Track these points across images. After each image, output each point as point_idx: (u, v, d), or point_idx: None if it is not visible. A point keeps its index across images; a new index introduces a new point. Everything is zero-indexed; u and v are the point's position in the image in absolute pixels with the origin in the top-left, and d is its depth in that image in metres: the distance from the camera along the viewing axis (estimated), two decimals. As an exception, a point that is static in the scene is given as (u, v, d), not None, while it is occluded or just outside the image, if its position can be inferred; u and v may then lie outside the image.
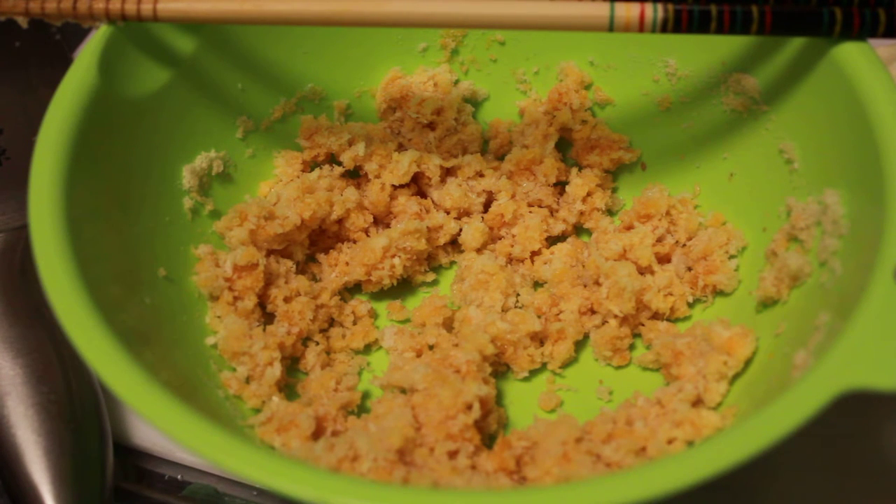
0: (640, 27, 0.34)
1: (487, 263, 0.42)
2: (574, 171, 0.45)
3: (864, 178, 0.33)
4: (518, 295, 0.43)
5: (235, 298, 0.39)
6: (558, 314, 0.42)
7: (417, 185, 0.46)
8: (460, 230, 0.45)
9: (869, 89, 0.33)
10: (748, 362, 0.36)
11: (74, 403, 0.39)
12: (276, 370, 0.38)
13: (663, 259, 0.43)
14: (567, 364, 0.41)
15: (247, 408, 0.37)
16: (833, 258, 0.34)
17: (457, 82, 0.47)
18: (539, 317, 0.41)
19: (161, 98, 0.39)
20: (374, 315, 0.44)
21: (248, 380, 0.38)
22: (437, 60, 0.47)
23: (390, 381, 0.37)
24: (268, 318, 0.41)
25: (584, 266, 0.42)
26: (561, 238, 0.45)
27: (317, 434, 0.36)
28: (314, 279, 0.44)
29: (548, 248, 0.44)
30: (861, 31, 0.35)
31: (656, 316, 0.41)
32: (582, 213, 0.45)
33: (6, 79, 0.50)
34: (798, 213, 0.37)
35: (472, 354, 0.37)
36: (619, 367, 0.41)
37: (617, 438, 0.35)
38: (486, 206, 0.45)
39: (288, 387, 0.40)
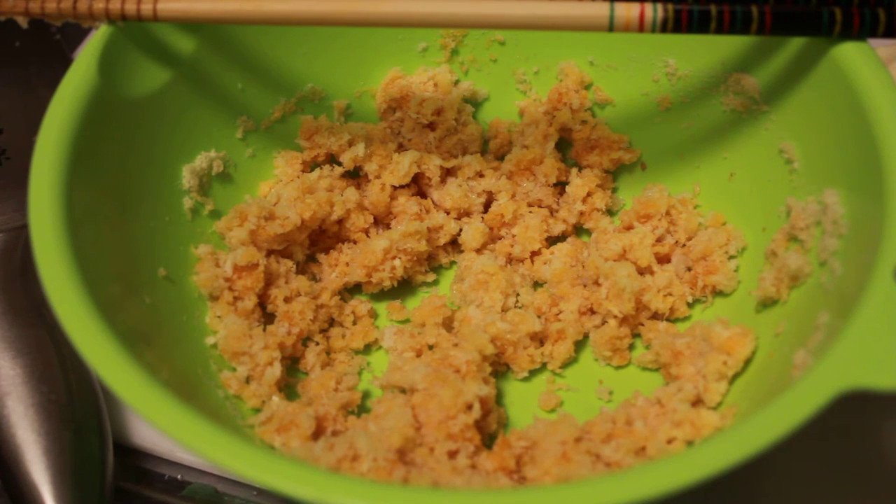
0: (640, 27, 0.34)
1: (487, 263, 0.42)
2: (574, 171, 0.45)
3: (863, 177, 0.33)
4: (518, 295, 0.43)
5: (235, 298, 0.39)
6: (558, 314, 0.42)
7: (417, 185, 0.46)
8: (460, 230, 0.45)
9: (869, 89, 0.33)
10: (748, 362, 0.36)
11: (74, 403, 0.39)
12: (276, 370, 0.38)
13: (663, 259, 0.43)
14: (567, 364, 0.41)
15: (247, 408, 0.37)
16: (833, 258, 0.34)
17: (457, 82, 0.47)
18: (539, 317, 0.41)
19: (161, 98, 0.39)
20: (374, 315, 0.44)
21: (248, 380, 0.38)
22: (437, 60, 0.47)
23: (390, 381, 0.37)
24: (268, 318, 0.41)
25: (583, 266, 0.42)
26: (561, 238, 0.45)
27: (317, 434, 0.36)
28: (314, 279, 0.44)
29: (548, 248, 0.44)
30: (861, 31, 0.35)
31: (656, 316, 0.41)
32: (582, 214, 0.45)
33: (6, 79, 0.50)
34: (798, 213, 0.37)
35: (472, 354, 0.37)
36: (618, 367, 0.41)
37: (617, 438, 0.35)
38: (486, 207, 0.45)
39: (288, 387, 0.40)
